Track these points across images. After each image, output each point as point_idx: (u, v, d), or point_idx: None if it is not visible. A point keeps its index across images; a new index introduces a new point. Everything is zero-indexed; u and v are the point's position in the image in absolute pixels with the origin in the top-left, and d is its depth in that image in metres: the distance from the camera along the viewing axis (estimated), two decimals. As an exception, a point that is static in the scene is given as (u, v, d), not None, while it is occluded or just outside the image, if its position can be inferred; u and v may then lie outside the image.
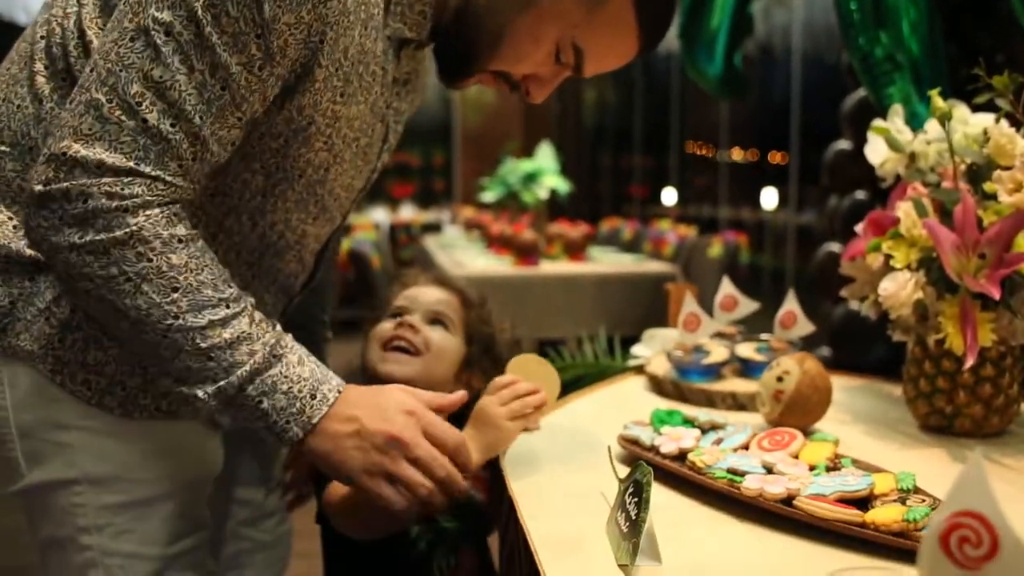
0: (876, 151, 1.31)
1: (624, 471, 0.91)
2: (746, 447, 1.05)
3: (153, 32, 0.84)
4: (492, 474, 1.16)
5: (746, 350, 1.47)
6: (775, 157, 6.70)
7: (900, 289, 1.12)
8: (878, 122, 1.30)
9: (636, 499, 0.81)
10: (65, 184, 0.85)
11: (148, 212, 0.86)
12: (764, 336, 1.52)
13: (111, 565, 1.00)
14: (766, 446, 1.03)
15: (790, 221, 6.15)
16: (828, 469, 0.96)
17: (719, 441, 1.06)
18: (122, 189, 0.85)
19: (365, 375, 1.22)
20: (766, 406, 1.17)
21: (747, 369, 1.45)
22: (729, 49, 2.06)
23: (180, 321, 0.87)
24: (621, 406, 1.38)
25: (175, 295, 0.87)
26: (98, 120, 0.85)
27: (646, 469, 0.84)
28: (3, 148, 0.99)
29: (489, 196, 5.31)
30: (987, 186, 1.11)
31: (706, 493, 0.96)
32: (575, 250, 4.48)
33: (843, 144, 1.85)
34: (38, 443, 0.99)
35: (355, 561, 1.15)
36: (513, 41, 0.99)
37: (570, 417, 1.30)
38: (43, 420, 0.99)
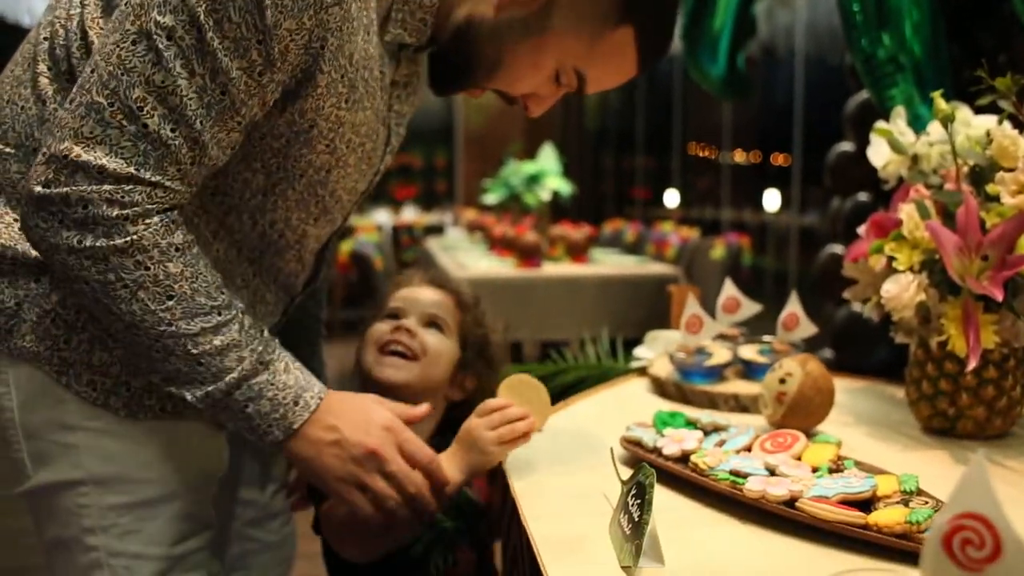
0: (879, 153, 1.31)
1: (627, 473, 0.91)
2: (749, 449, 1.05)
3: (155, 36, 0.84)
4: (493, 474, 1.16)
5: (748, 352, 1.47)
6: (777, 159, 6.70)
7: (903, 291, 1.11)
8: (881, 124, 1.30)
9: (639, 501, 0.81)
10: (65, 189, 0.85)
11: (148, 221, 0.88)
12: (766, 338, 1.52)
13: (116, 566, 1.00)
14: (769, 448, 1.03)
15: (792, 223, 6.14)
16: (831, 471, 0.96)
17: (722, 443, 1.06)
18: (122, 197, 0.86)
19: (360, 378, 1.21)
20: (768, 408, 1.17)
21: (749, 371, 1.45)
22: (732, 50, 2.06)
23: (173, 328, 0.90)
24: (623, 408, 1.38)
25: (170, 303, 0.89)
26: (99, 124, 0.85)
27: (649, 471, 0.84)
28: (8, 150, 0.99)
29: (491, 198, 5.31)
30: (990, 188, 1.11)
31: (709, 495, 0.96)
32: (577, 252, 4.48)
33: (845, 146, 1.85)
34: (44, 444, 1.00)
35: (353, 564, 1.15)
36: (512, 66, 1.00)
37: (572, 418, 1.30)
38: (49, 421, 0.99)
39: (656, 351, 1.62)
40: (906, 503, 0.86)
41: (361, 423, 0.95)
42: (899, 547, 0.80)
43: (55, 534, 1.02)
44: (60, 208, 0.86)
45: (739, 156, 7.48)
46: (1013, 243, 1.04)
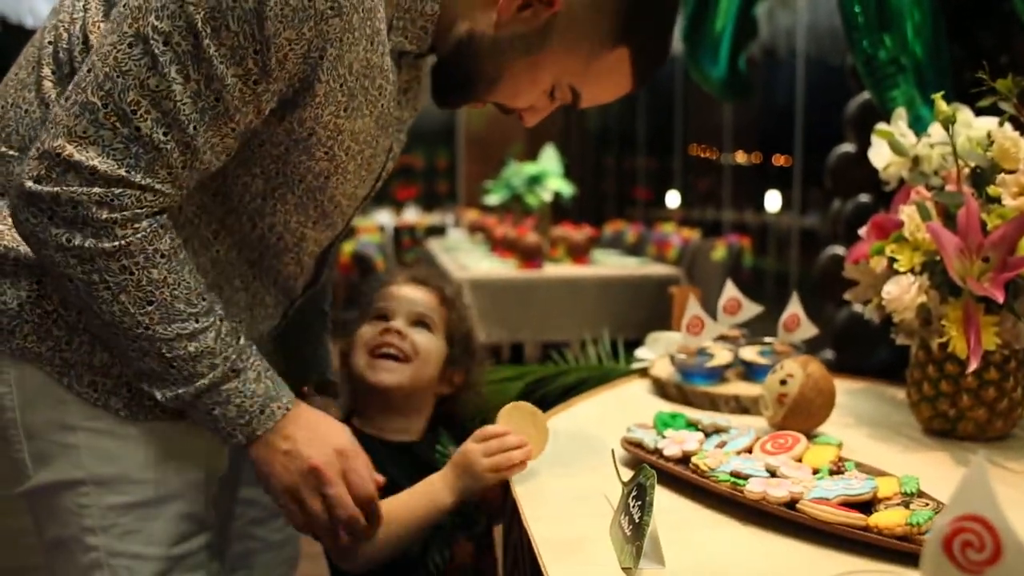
0: (880, 155, 1.31)
1: (627, 474, 0.91)
2: (749, 450, 1.05)
3: (152, 41, 0.85)
4: None
5: (749, 353, 1.47)
6: (778, 160, 6.70)
7: (904, 293, 1.11)
8: (882, 125, 1.30)
9: (639, 502, 0.81)
10: (56, 188, 0.86)
11: (137, 225, 0.89)
12: (767, 339, 1.52)
13: (116, 566, 1.00)
14: (769, 449, 1.03)
15: (793, 224, 6.15)
16: (831, 472, 0.96)
17: (722, 444, 1.06)
18: (112, 200, 0.87)
19: (349, 381, 1.21)
20: (769, 409, 1.17)
21: (750, 372, 1.45)
22: (733, 52, 2.06)
23: (150, 332, 0.92)
24: (624, 409, 1.38)
25: (149, 308, 0.91)
26: (92, 124, 0.86)
27: (649, 472, 0.84)
28: (11, 152, 1.00)
29: (493, 199, 5.31)
30: (991, 190, 1.11)
31: (709, 496, 0.96)
32: (579, 253, 4.48)
33: (847, 147, 1.85)
34: (45, 444, 1.00)
35: None
36: (511, 82, 1.02)
37: (574, 420, 1.31)
38: (50, 421, 0.99)
39: (657, 352, 1.62)
40: (907, 505, 0.86)
41: (316, 440, 0.97)
42: (900, 549, 0.80)
43: (55, 534, 1.02)
44: (50, 206, 0.87)
45: (740, 157, 7.48)
46: (1014, 245, 1.04)
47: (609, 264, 4.57)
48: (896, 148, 1.26)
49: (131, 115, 0.86)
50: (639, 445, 1.07)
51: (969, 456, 1.13)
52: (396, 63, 1.02)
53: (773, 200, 6.74)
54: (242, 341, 0.98)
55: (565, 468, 1.08)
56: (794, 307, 1.48)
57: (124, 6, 0.87)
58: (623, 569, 0.79)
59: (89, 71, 0.87)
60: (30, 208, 0.88)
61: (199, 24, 0.84)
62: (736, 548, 0.86)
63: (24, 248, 0.96)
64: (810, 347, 1.50)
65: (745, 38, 2.08)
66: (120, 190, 0.87)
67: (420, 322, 1.21)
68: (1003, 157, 1.12)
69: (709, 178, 8.03)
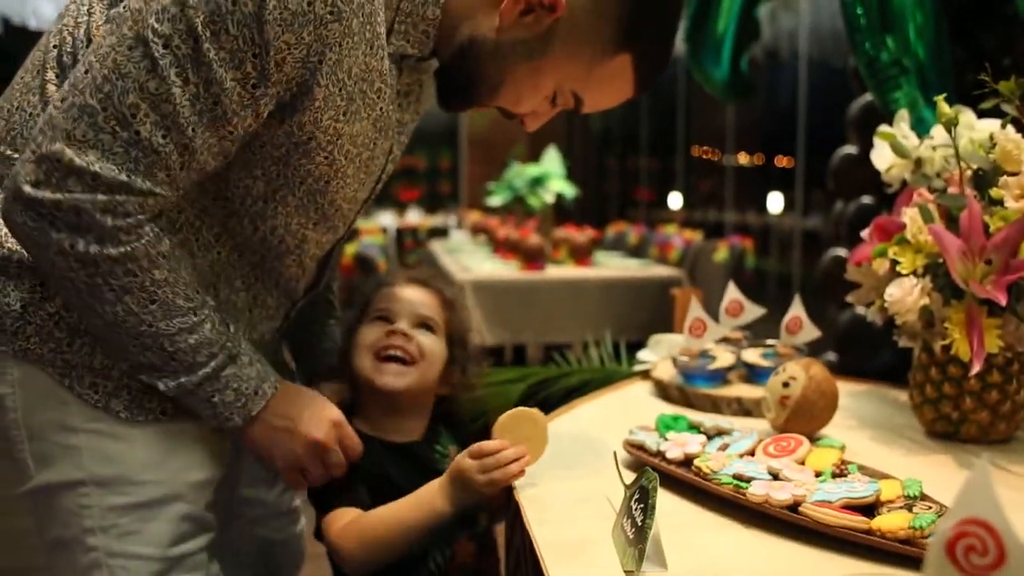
0: (882, 157, 1.31)
1: (630, 476, 0.91)
2: (752, 453, 1.05)
3: (152, 44, 0.85)
4: None
5: (752, 355, 1.47)
6: (781, 161, 6.69)
7: (906, 295, 1.11)
8: (884, 128, 1.30)
9: (642, 505, 0.81)
10: (58, 195, 0.87)
11: (140, 231, 0.90)
12: (770, 341, 1.52)
13: (115, 566, 1.01)
14: (772, 452, 1.03)
15: (796, 225, 6.14)
16: (834, 475, 0.96)
17: (725, 447, 1.06)
18: (116, 207, 0.88)
19: (352, 381, 1.21)
20: (772, 412, 1.17)
21: (753, 374, 1.45)
22: (735, 53, 2.06)
23: (153, 328, 0.95)
24: (627, 411, 1.38)
25: (152, 306, 0.94)
26: (92, 128, 0.86)
27: (652, 475, 0.84)
28: (16, 155, 1.00)
29: (495, 200, 5.31)
30: (993, 192, 1.11)
31: (712, 499, 0.96)
32: (581, 254, 4.48)
33: (849, 149, 1.85)
34: (46, 445, 1.01)
35: None
36: (513, 87, 1.02)
37: (576, 422, 1.30)
38: (51, 422, 1.00)
39: (659, 354, 1.62)
40: (909, 508, 0.86)
41: (314, 417, 1.06)
42: (902, 552, 0.80)
43: (56, 534, 1.03)
44: (51, 211, 0.87)
45: (743, 158, 7.47)
46: (1017, 247, 1.04)
47: (611, 266, 4.57)
48: (898, 150, 1.26)
49: (131, 119, 0.86)
50: (641, 447, 1.07)
51: (972, 459, 1.12)
52: (397, 66, 1.02)
53: (775, 201, 6.74)
54: (232, 329, 1.02)
55: (567, 470, 1.08)
56: (796, 309, 1.48)
57: (124, 8, 0.87)
58: (625, 572, 0.79)
59: (86, 72, 0.87)
60: (28, 212, 0.88)
61: (199, 28, 0.84)
62: (739, 551, 0.85)
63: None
64: (812, 349, 1.50)
65: (747, 39, 2.08)
66: (124, 197, 0.88)
67: (423, 324, 1.21)
68: (1005, 159, 1.11)
69: (711, 179, 8.03)
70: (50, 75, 1.00)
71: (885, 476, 0.96)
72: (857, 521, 0.83)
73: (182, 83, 0.86)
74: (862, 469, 0.99)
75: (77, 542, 1.01)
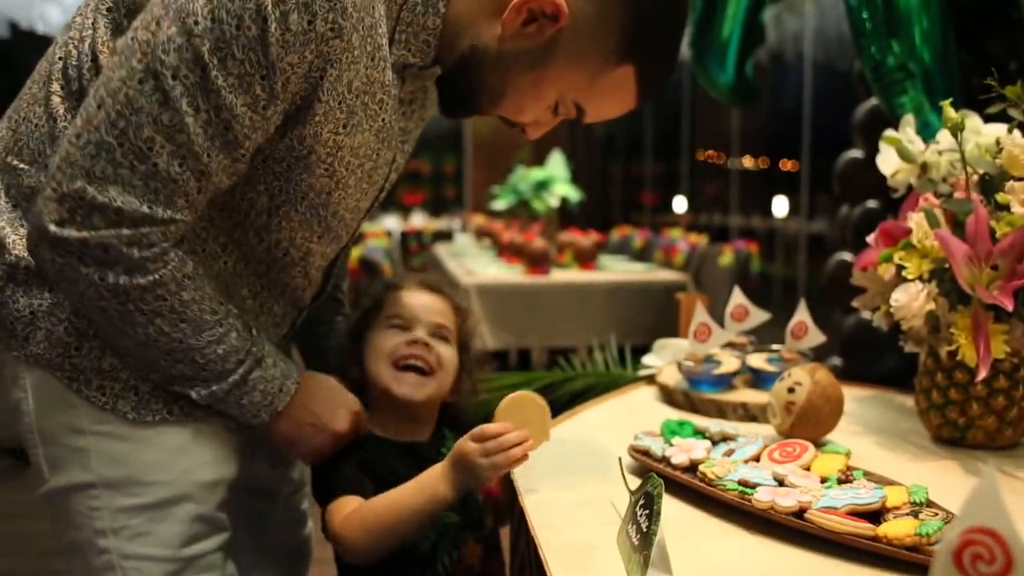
0: (888, 161, 1.30)
1: (635, 482, 0.91)
2: (757, 459, 1.04)
3: (161, 76, 0.86)
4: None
5: (757, 360, 1.47)
6: (786, 165, 6.69)
7: (912, 300, 1.11)
8: (890, 132, 1.30)
9: (647, 511, 0.81)
10: (85, 233, 0.88)
11: (166, 258, 0.93)
12: (775, 346, 1.51)
13: (128, 567, 1.02)
14: (777, 458, 1.03)
15: (801, 229, 6.13)
16: (840, 481, 0.96)
17: (730, 452, 1.06)
18: (141, 239, 0.90)
19: (359, 383, 1.20)
20: (777, 417, 1.16)
21: (758, 379, 1.44)
22: (740, 58, 2.06)
23: (184, 344, 0.98)
24: (632, 416, 1.38)
25: (183, 325, 0.97)
26: (110, 164, 0.87)
27: (657, 481, 0.83)
28: (23, 166, 1.01)
29: (500, 204, 5.31)
30: (1000, 197, 1.10)
31: (717, 505, 0.95)
32: (586, 258, 4.48)
33: (855, 153, 1.85)
34: (57, 448, 1.03)
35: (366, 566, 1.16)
36: (515, 97, 1.02)
37: (581, 427, 1.30)
38: (61, 425, 1.02)
39: (664, 359, 1.62)
40: (916, 515, 0.86)
41: (336, 410, 1.12)
42: (909, 559, 0.79)
43: (71, 537, 1.05)
44: (78, 248, 0.89)
45: (747, 162, 7.47)
46: (1023, 252, 1.03)
47: (616, 270, 4.57)
48: (904, 155, 1.26)
49: (148, 152, 0.87)
50: (646, 453, 1.07)
51: (978, 465, 1.12)
52: (400, 75, 1.02)
53: (780, 205, 6.73)
54: (254, 332, 1.05)
55: (572, 475, 1.08)
56: (802, 314, 1.48)
57: (132, 40, 0.88)
58: (630, 578, 0.79)
59: (99, 107, 0.88)
60: (55, 250, 0.90)
61: (205, 56, 0.85)
62: (744, 557, 0.85)
63: None
64: (817, 354, 1.50)
65: (752, 44, 2.08)
66: (147, 229, 0.90)
67: (439, 333, 1.21)
68: (1012, 164, 1.11)
69: (716, 183, 8.02)
70: (55, 87, 1.01)
71: (891, 482, 0.96)
72: (863, 528, 0.83)
73: (194, 112, 0.87)
74: (868, 475, 0.98)
75: (90, 544, 1.03)
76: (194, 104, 0.86)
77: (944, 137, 1.23)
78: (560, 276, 4.14)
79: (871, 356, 1.67)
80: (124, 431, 1.02)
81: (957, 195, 1.17)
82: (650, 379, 1.57)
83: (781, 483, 0.95)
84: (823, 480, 0.96)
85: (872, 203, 1.76)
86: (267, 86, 0.87)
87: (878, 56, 1.53)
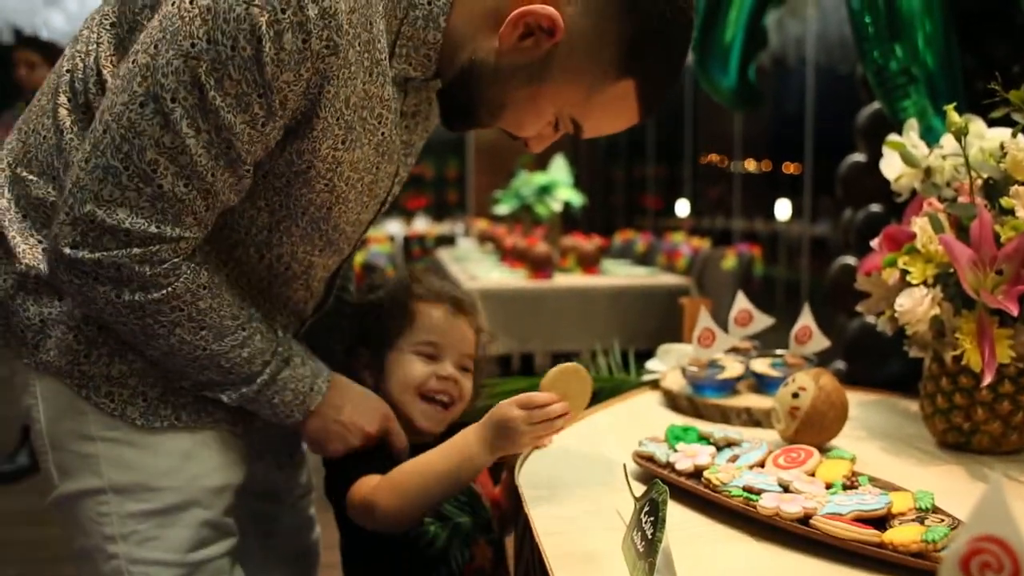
0: (891, 166, 1.30)
1: (639, 488, 0.90)
2: (762, 464, 1.04)
3: (161, 99, 0.87)
4: (496, 470, 1.20)
5: (761, 365, 1.46)
6: (788, 168, 6.69)
7: (916, 305, 1.11)
8: (893, 137, 1.30)
9: (652, 518, 0.81)
10: (98, 255, 0.91)
11: (178, 272, 0.95)
12: (779, 351, 1.51)
13: (136, 573, 1.04)
14: (782, 463, 1.02)
15: (804, 232, 6.13)
16: (845, 487, 0.95)
17: (735, 458, 1.05)
18: (152, 256, 0.92)
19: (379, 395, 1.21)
20: (781, 423, 1.16)
21: (762, 385, 1.44)
22: (743, 62, 2.06)
23: (207, 351, 1.00)
24: (636, 421, 1.37)
25: (203, 332, 0.99)
26: (117, 187, 0.90)
27: (662, 488, 0.83)
28: (31, 177, 1.03)
29: (503, 209, 5.32)
30: (1004, 201, 1.10)
31: (722, 511, 0.95)
32: (589, 263, 4.48)
33: (858, 157, 1.85)
34: (66, 455, 1.04)
35: (375, 560, 1.16)
36: (513, 111, 1.02)
37: (585, 432, 1.30)
38: (71, 432, 1.04)
39: (668, 364, 1.61)
40: (921, 521, 0.85)
41: (368, 411, 1.14)
42: (915, 566, 0.79)
43: (80, 543, 1.06)
44: (93, 269, 0.92)
45: (750, 165, 7.47)
46: (1028, 257, 1.03)
47: (619, 274, 4.56)
48: (908, 159, 1.26)
49: (152, 174, 0.89)
50: (651, 459, 1.07)
51: (984, 470, 1.12)
52: (402, 88, 1.03)
53: (783, 208, 6.73)
54: (280, 333, 1.08)
55: (577, 482, 1.08)
56: (806, 319, 1.47)
57: (133, 63, 0.89)
58: (635, 586, 0.79)
59: (105, 132, 0.90)
60: (72, 272, 0.93)
61: (202, 77, 0.86)
62: (749, 564, 0.85)
63: (44, 267, 1.00)
64: (821, 358, 1.49)
65: (755, 48, 2.08)
66: (157, 246, 0.92)
67: (465, 365, 1.22)
68: (1016, 168, 1.11)
69: (719, 187, 8.02)
70: (62, 99, 1.02)
71: (896, 488, 0.96)
72: (869, 534, 0.83)
73: (195, 133, 0.88)
74: (873, 481, 0.98)
75: (99, 550, 1.04)
76: (194, 125, 0.87)
77: (948, 141, 1.22)
78: (563, 280, 4.14)
79: (875, 360, 1.67)
80: (133, 437, 1.04)
81: (961, 200, 1.16)
82: (654, 384, 1.57)
83: (786, 489, 0.94)
84: (828, 486, 0.96)
85: (875, 207, 1.76)
86: (265, 104, 0.88)
87: (881, 60, 1.53)
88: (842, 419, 1.16)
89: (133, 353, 1.03)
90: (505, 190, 5.36)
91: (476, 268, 4.68)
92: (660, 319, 3.84)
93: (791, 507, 0.88)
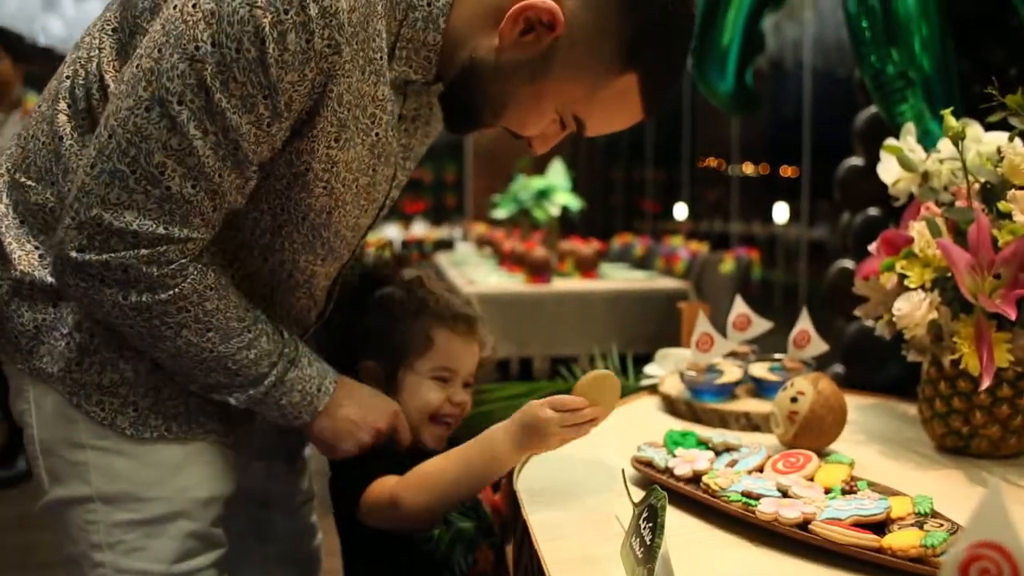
0: (889, 170, 1.30)
1: (638, 494, 0.90)
2: (761, 469, 1.04)
3: (167, 103, 0.87)
4: (500, 483, 1.20)
5: (759, 370, 1.46)
6: (786, 171, 6.69)
7: (915, 309, 1.11)
8: (891, 141, 1.30)
9: (651, 524, 0.80)
10: (105, 256, 0.91)
11: (185, 273, 0.95)
12: (778, 356, 1.51)
13: None
14: (781, 468, 1.02)
15: (802, 236, 6.13)
16: (844, 492, 0.95)
17: (733, 463, 1.05)
18: (159, 257, 0.92)
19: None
20: (780, 427, 1.16)
21: (761, 389, 1.44)
22: (740, 66, 2.06)
23: (214, 353, 1.00)
24: (634, 426, 1.37)
25: (210, 334, 0.99)
26: (124, 191, 0.90)
27: (661, 494, 0.83)
28: (29, 183, 1.03)
29: (501, 213, 5.31)
30: (1001, 205, 1.10)
31: (721, 516, 0.95)
32: (587, 267, 4.47)
33: (855, 161, 1.85)
34: (57, 461, 1.05)
35: (377, 565, 1.16)
36: (515, 109, 1.02)
37: (584, 437, 1.29)
38: (61, 439, 1.04)
39: (667, 369, 1.61)
40: (920, 525, 0.85)
41: (376, 408, 1.14)
42: (914, 571, 0.79)
43: (68, 550, 1.06)
44: (100, 271, 0.92)
45: (748, 169, 7.47)
46: (1026, 261, 1.03)
47: (617, 278, 4.56)
48: (905, 163, 1.26)
49: (160, 176, 0.89)
50: (649, 464, 1.07)
51: (983, 474, 1.12)
52: (401, 91, 1.02)
53: (781, 212, 6.74)
54: (286, 335, 1.07)
55: (575, 487, 1.08)
56: (804, 323, 1.47)
57: (137, 68, 0.89)
58: (634, 592, 0.79)
59: (110, 137, 0.90)
60: (78, 275, 0.93)
61: (208, 80, 0.86)
62: (748, 569, 0.85)
63: (40, 274, 1.01)
64: (819, 362, 1.49)
65: (752, 52, 2.08)
66: (164, 247, 0.92)
67: (469, 382, 1.26)
68: (1013, 173, 1.11)
69: (717, 190, 8.03)
70: (62, 105, 1.02)
71: (895, 493, 0.95)
72: (868, 539, 0.82)
73: (202, 135, 0.88)
74: (872, 486, 0.98)
75: (85, 557, 1.04)
76: (201, 127, 0.88)
77: (945, 146, 1.23)
78: (561, 285, 4.14)
79: (874, 364, 1.67)
80: (123, 447, 1.04)
81: (959, 204, 1.17)
82: (652, 389, 1.56)
83: (785, 494, 0.94)
84: (827, 491, 0.96)
85: (873, 210, 1.76)
86: (270, 105, 0.88)
87: (878, 64, 1.53)
88: (841, 424, 1.16)
89: (125, 363, 1.03)
90: (503, 194, 5.36)
91: (474, 272, 4.68)
92: (658, 323, 3.84)
93: (790, 512, 0.88)
